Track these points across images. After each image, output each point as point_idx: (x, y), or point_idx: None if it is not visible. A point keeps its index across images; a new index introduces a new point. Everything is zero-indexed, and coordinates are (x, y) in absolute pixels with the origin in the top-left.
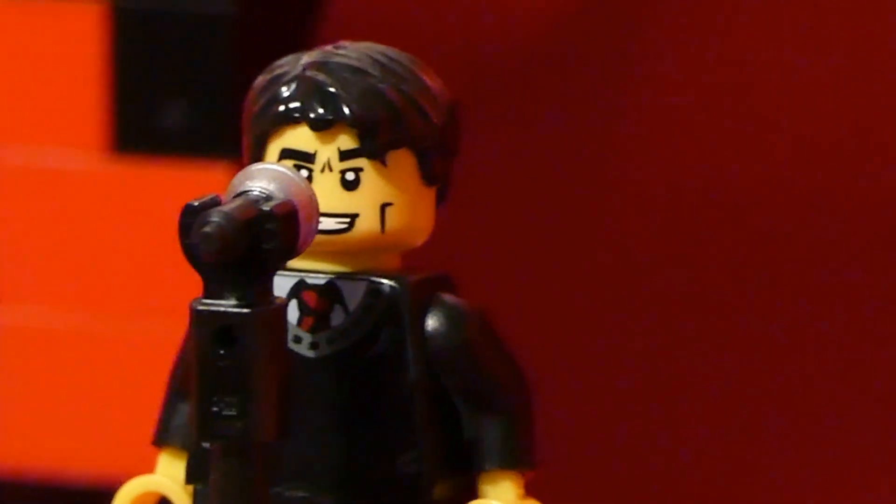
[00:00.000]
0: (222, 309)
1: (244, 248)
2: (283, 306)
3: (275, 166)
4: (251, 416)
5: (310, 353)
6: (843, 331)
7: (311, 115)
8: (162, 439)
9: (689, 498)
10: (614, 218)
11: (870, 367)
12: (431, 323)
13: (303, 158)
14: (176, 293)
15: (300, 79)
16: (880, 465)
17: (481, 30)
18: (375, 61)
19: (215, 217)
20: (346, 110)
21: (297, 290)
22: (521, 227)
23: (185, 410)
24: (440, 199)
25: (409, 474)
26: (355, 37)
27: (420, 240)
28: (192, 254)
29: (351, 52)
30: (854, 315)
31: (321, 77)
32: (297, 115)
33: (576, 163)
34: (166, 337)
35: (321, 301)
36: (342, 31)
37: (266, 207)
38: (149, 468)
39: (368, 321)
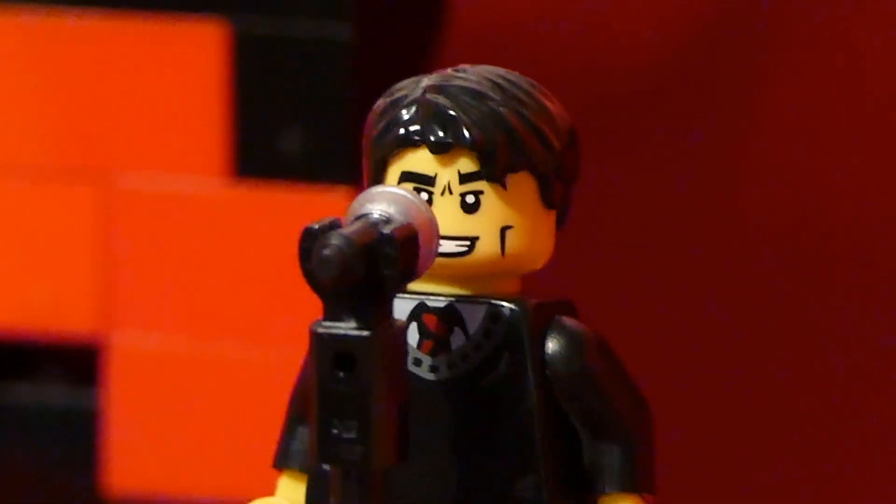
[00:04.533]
0: (342, 332)
1: (363, 272)
2: (403, 329)
3: (395, 189)
4: (370, 439)
5: (430, 377)
6: None
7: (432, 139)
8: (282, 462)
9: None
10: (739, 241)
11: None
12: (551, 347)
13: (423, 181)
14: (297, 317)
15: (420, 102)
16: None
17: (600, 52)
18: (495, 84)
19: (334, 240)
20: (466, 134)
21: (418, 312)
22: (642, 250)
23: (306, 433)
24: (560, 222)
25: (529, 499)
26: (473, 60)
27: (540, 263)
28: (312, 277)
29: (471, 75)
30: None
31: (441, 100)
32: (417, 138)
33: (696, 185)
34: (287, 360)
35: (441, 324)
36: (460, 55)
37: (386, 231)
38: (269, 491)
39: (488, 345)
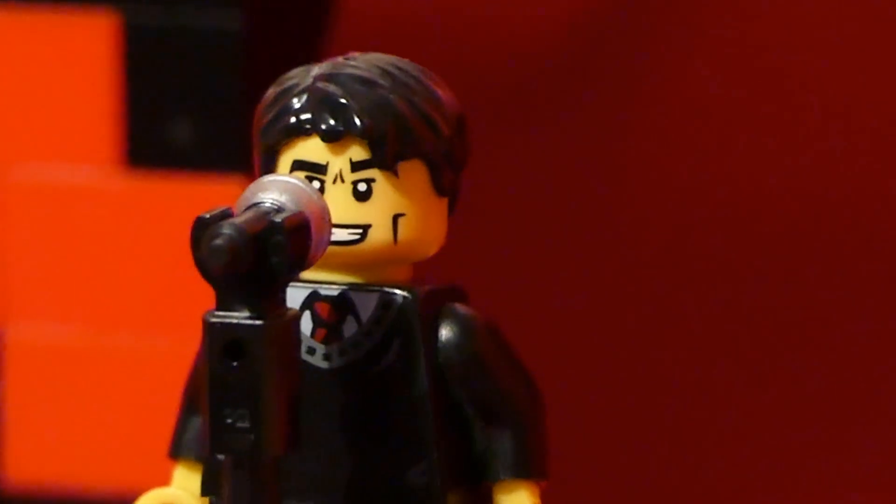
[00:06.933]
0: (234, 321)
1: (254, 261)
2: (295, 318)
3: (286, 178)
4: (261, 428)
5: (323, 365)
6: (852, 337)
7: (322, 127)
8: (177, 452)
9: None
10: (626, 227)
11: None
12: (443, 333)
13: (314, 170)
14: (189, 306)
15: (311, 90)
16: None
17: (490, 40)
18: (385, 72)
19: (225, 229)
20: (357, 121)
21: (310, 301)
22: (532, 237)
23: (200, 423)
24: (451, 209)
25: (421, 485)
26: (363, 48)
27: (432, 250)
28: (204, 266)
29: (361, 63)
30: (867, 322)
31: (331, 88)
32: (308, 126)
33: (586, 172)
34: (180, 350)
35: (334, 312)
36: (350, 44)
37: (277, 219)
38: (164, 481)
39: (380, 332)
